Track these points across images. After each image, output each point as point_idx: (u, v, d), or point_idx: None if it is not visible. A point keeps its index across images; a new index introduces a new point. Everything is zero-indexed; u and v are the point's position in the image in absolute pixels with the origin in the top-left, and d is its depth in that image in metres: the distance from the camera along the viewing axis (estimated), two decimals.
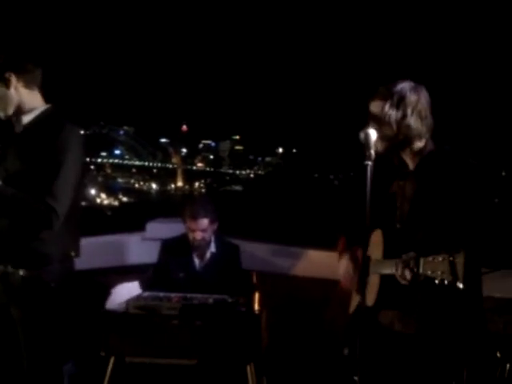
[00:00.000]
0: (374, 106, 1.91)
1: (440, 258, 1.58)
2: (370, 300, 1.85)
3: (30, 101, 2.12)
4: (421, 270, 1.64)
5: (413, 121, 1.88)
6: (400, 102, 1.87)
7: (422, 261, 1.65)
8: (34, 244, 2.03)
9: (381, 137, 1.84)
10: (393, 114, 1.87)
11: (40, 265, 2.04)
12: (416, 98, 1.89)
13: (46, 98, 2.20)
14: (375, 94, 1.92)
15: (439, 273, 1.57)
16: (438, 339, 1.82)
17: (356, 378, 1.66)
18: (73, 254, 2.16)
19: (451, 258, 1.55)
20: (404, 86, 1.90)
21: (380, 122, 1.88)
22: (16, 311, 2.06)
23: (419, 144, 1.91)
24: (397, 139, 1.89)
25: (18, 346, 2.07)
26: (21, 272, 2.04)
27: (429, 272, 1.61)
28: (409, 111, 1.87)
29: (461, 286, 1.54)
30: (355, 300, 2.08)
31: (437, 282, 1.58)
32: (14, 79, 2.07)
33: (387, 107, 1.87)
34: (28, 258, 2.04)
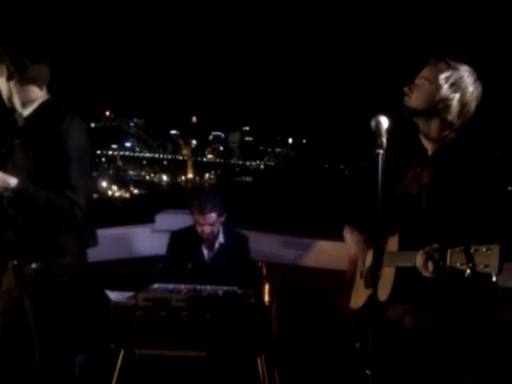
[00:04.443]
0: (432, 70, 1.86)
1: (472, 250, 1.50)
2: (383, 295, 1.78)
3: (24, 95, 2.10)
4: (448, 262, 1.56)
5: (454, 106, 1.83)
6: (456, 82, 1.82)
7: (449, 252, 1.57)
8: (51, 237, 2.03)
9: (417, 97, 1.83)
10: (444, 87, 1.83)
11: (53, 257, 2.04)
12: (471, 89, 1.84)
13: (56, 90, 2.18)
14: (439, 59, 1.86)
15: (470, 265, 1.49)
16: (452, 334, 1.77)
17: (368, 371, 1.62)
18: (91, 242, 2.17)
19: (484, 249, 1.48)
20: (467, 70, 1.85)
21: (426, 87, 1.84)
22: (29, 303, 2.07)
23: (445, 132, 1.86)
24: (427, 111, 1.84)
25: (30, 337, 2.08)
26: (33, 265, 2.04)
27: (458, 264, 1.52)
28: (457, 96, 1.83)
29: (494, 278, 1.46)
30: (360, 296, 2.03)
31: (467, 274, 1.50)
32: (5, 73, 2.07)
33: (442, 78, 1.83)
34: (43, 252, 2.04)
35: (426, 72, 1.88)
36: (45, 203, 1.97)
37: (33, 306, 2.06)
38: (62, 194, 1.97)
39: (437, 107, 1.84)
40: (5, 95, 2.12)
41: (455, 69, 1.84)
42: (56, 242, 2.04)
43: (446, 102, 1.83)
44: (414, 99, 1.86)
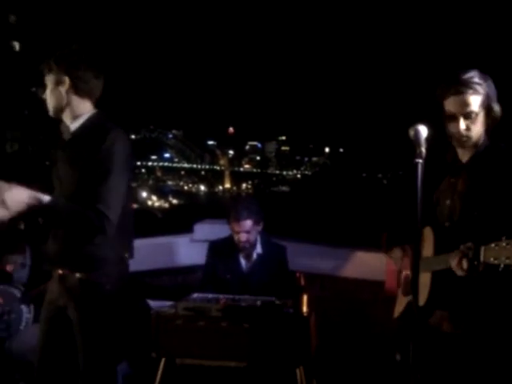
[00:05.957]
0: (475, 101, 1.84)
1: (504, 244, 1.53)
2: (421, 300, 1.78)
3: (77, 108, 2.13)
4: (482, 259, 1.60)
5: (498, 114, 1.87)
6: (494, 97, 1.86)
7: (482, 249, 1.60)
8: (89, 248, 2.07)
9: (478, 131, 1.84)
10: (498, 109, 1.86)
11: (95, 268, 2.08)
12: (495, 92, 1.87)
13: (100, 104, 2.20)
14: (467, 85, 1.83)
15: (503, 258, 1.52)
16: (491, 336, 1.76)
17: None
18: (126, 255, 2.19)
19: None
20: (486, 77, 1.85)
21: (481, 120, 1.85)
22: (73, 312, 2.11)
23: (482, 139, 1.88)
24: (486, 136, 1.88)
25: (74, 346, 2.11)
26: (77, 275, 2.08)
27: (491, 259, 1.56)
28: (494, 105, 1.86)
29: None
30: (400, 304, 2.01)
31: (501, 268, 1.53)
32: (67, 84, 2.10)
33: (494, 103, 1.85)
34: (83, 262, 2.08)
35: (471, 106, 1.84)
36: (70, 217, 2.00)
37: (77, 314, 2.09)
38: (93, 207, 1.99)
39: (490, 125, 1.87)
40: (56, 105, 2.14)
41: (483, 84, 1.84)
42: (94, 253, 2.07)
43: (498, 119, 1.86)
44: (476, 135, 1.86)
